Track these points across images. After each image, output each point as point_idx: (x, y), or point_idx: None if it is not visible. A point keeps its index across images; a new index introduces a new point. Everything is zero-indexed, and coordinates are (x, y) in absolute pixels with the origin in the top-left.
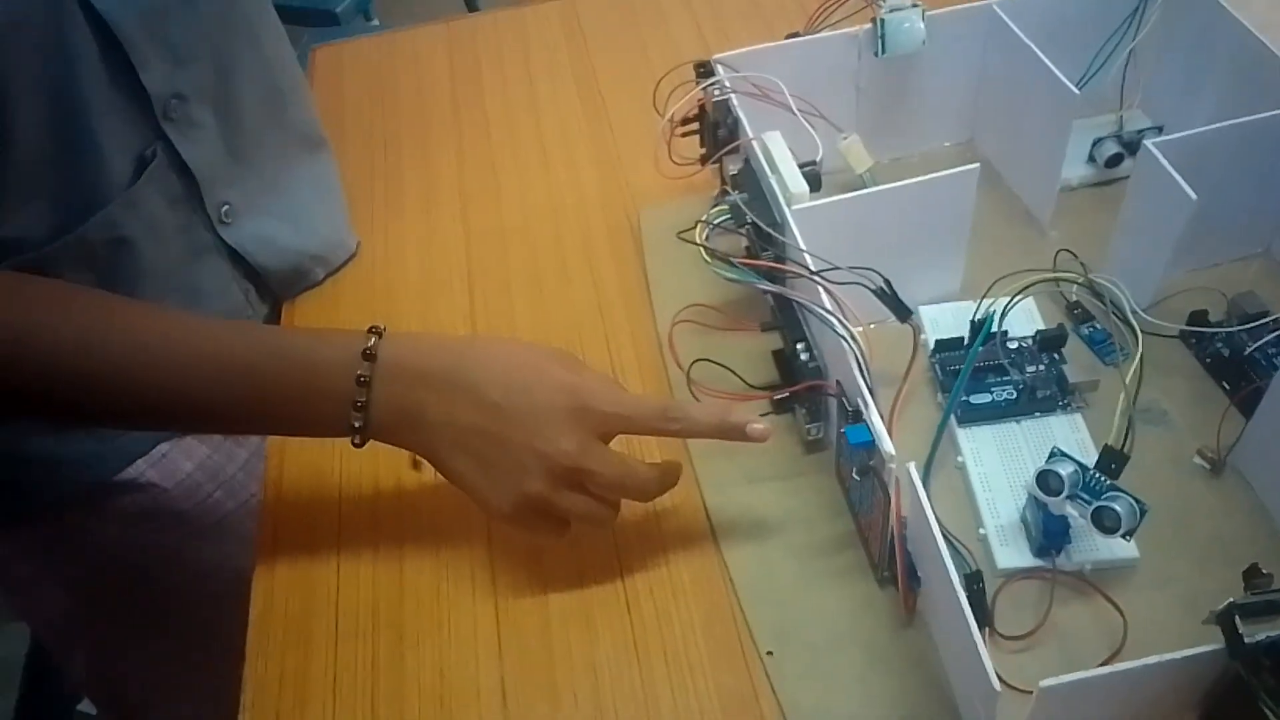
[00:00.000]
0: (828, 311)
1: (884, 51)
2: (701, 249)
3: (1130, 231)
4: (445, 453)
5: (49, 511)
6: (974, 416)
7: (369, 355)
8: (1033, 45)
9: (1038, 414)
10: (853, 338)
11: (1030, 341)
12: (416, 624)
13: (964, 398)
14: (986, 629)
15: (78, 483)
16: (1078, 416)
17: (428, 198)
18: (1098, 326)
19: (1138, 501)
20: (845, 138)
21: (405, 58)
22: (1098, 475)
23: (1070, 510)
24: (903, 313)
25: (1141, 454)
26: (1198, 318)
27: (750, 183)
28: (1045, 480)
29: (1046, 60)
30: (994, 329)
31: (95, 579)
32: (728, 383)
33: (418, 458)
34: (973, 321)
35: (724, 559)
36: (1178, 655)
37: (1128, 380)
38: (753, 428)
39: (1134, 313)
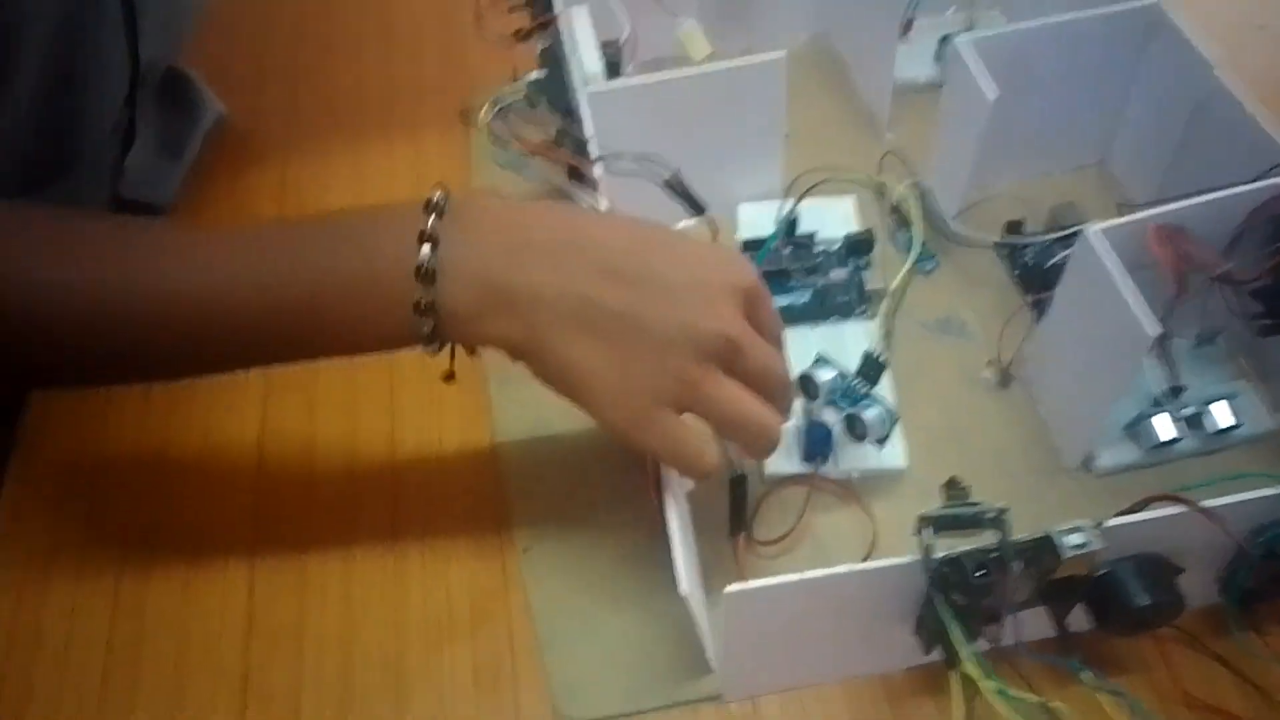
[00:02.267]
0: (580, 192)
1: None
2: (487, 130)
3: (945, 134)
4: (553, 335)
5: None
6: None
7: (436, 207)
8: None
9: (834, 319)
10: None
11: (838, 245)
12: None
13: None
14: (744, 533)
15: None
16: (874, 324)
17: (264, 88)
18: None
19: (889, 410)
20: (681, 25)
21: None
22: (855, 382)
23: (829, 417)
24: (696, 208)
25: (934, 366)
26: (1013, 228)
27: (554, 63)
28: (804, 384)
29: None
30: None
31: None
32: None
33: (452, 370)
34: (778, 221)
35: (496, 449)
36: (862, 567)
37: (893, 286)
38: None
39: (943, 220)
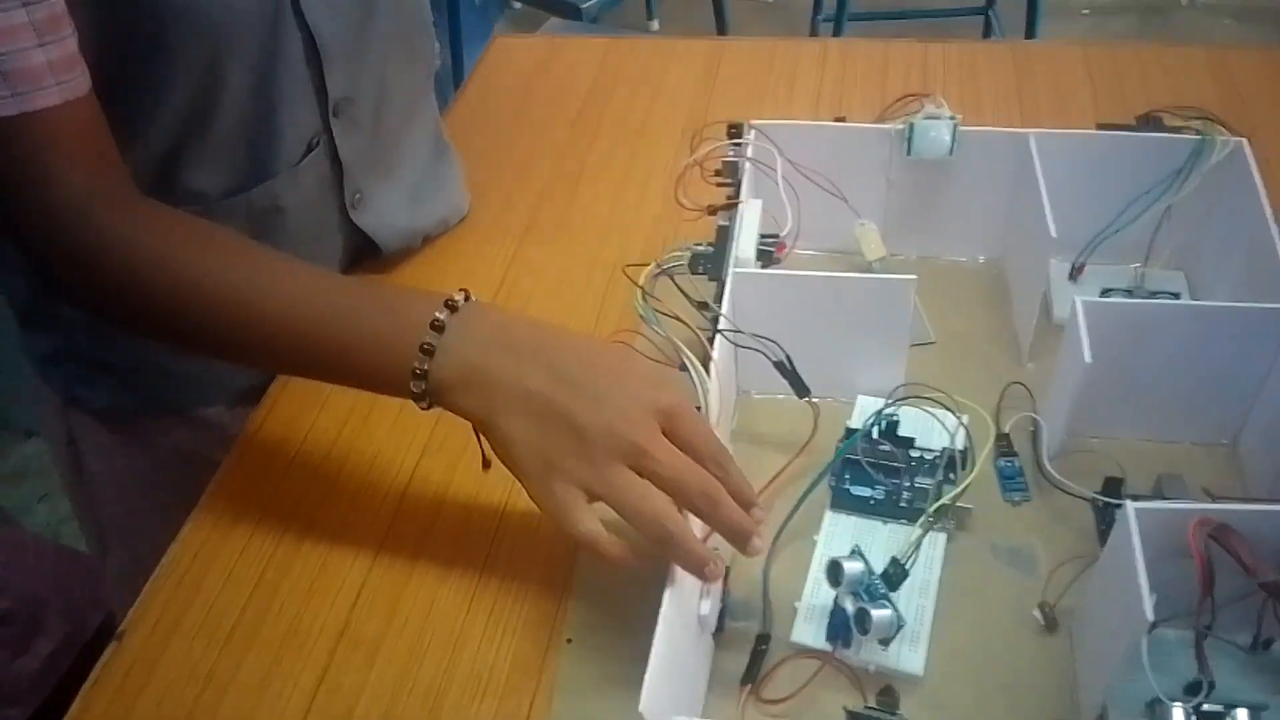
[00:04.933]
0: (689, 357)
1: (910, 153)
2: (638, 285)
3: (1057, 381)
4: (502, 415)
5: (155, 417)
6: (847, 504)
7: (450, 305)
8: (1041, 180)
9: (904, 521)
10: (701, 381)
11: (935, 456)
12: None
13: (845, 486)
14: (749, 685)
15: (188, 400)
16: (941, 536)
17: (513, 186)
18: (1014, 464)
19: (899, 616)
20: (862, 224)
21: (563, 62)
22: (878, 581)
23: (848, 605)
24: (801, 390)
25: (990, 591)
26: (1110, 485)
27: (723, 240)
28: (831, 570)
29: (1044, 196)
30: (871, 431)
31: (158, 476)
32: None
33: (487, 458)
34: (878, 419)
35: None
36: None
37: (932, 503)
38: (757, 537)
39: (1046, 461)
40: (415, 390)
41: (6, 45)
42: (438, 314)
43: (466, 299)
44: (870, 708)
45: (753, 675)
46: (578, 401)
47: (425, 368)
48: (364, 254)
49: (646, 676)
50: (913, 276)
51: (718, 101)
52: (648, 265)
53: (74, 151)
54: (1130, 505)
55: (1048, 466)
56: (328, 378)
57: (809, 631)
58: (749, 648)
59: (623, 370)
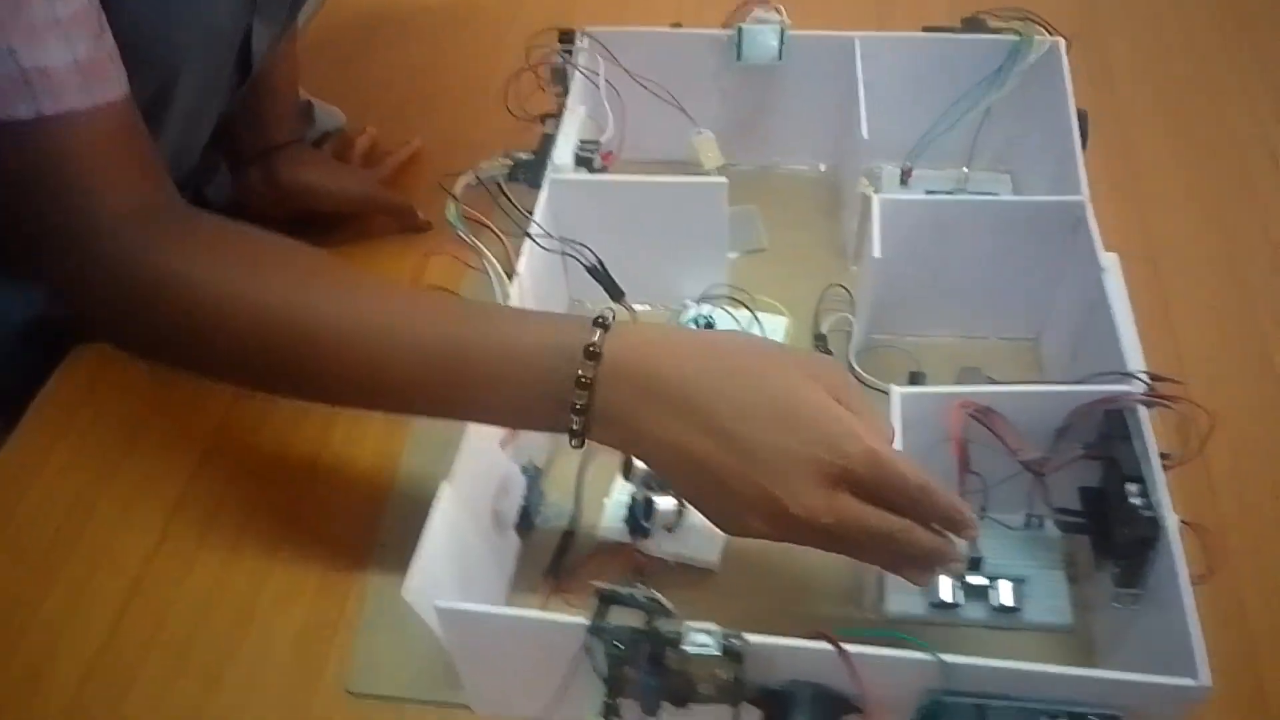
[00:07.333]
0: (491, 263)
1: (740, 59)
2: (450, 194)
3: (859, 280)
4: (664, 470)
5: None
6: None
7: (592, 354)
8: (860, 82)
9: None
10: (503, 287)
11: None
12: None
13: None
14: (554, 577)
15: None
16: None
17: (369, 111)
18: None
19: (684, 505)
20: (699, 133)
21: None
22: None
23: (638, 496)
24: (615, 293)
25: None
26: (914, 379)
27: (546, 147)
28: (625, 464)
29: (861, 98)
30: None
31: None
32: None
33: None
34: (695, 321)
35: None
36: (533, 614)
37: None
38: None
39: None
40: (573, 445)
41: (80, 29)
42: (582, 373)
43: (605, 328)
44: (614, 587)
45: (555, 569)
46: (742, 463)
47: (579, 425)
48: None
49: (412, 562)
50: (723, 180)
51: (580, 10)
52: (458, 173)
53: (117, 162)
54: (895, 389)
55: (853, 363)
56: (469, 412)
57: (613, 528)
58: None
59: (793, 427)
